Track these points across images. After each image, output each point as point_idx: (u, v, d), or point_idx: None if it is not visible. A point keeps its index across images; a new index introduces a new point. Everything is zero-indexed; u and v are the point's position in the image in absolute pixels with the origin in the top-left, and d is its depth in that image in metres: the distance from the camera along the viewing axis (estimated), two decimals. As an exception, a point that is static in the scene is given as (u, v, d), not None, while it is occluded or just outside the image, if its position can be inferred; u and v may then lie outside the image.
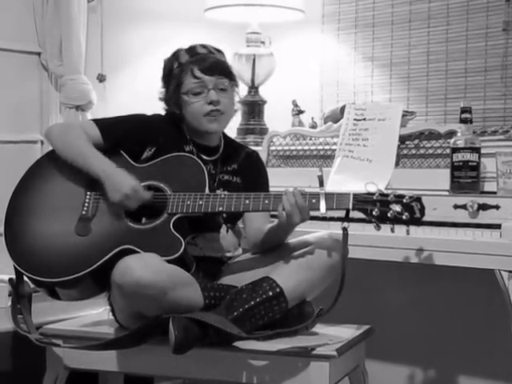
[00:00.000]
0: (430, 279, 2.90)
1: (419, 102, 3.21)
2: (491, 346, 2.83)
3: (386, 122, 2.68)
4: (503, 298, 2.28)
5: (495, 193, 2.44)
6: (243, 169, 2.50)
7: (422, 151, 2.69)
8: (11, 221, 2.34)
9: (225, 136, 2.55)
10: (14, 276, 2.33)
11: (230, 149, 2.53)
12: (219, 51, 2.50)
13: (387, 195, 2.15)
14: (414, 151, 2.70)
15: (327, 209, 2.18)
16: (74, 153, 2.34)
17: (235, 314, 2.15)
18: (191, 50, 2.45)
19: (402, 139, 2.69)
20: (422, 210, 2.13)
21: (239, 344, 2.17)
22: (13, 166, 2.46)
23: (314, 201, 2.19)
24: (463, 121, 2.52)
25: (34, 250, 2.29)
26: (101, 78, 3.36)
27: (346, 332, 2.34)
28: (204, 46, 2.47)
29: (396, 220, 2.13)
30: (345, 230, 2.19)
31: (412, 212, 2.13)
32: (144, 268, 2.09)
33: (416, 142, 2.71)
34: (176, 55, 2.46)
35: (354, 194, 2.16)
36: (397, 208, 2.13)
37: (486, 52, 3.03)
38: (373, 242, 2.46)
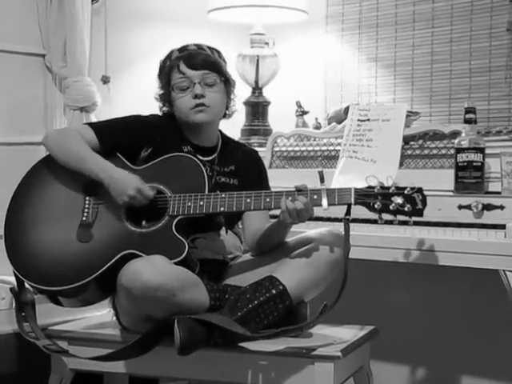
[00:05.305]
0: (434, 280, 2.89)
1: (423, 102, 3.21)
2: (496, 346, 2.82)
3: (390, 122, 2.68)
4: (508, 298, 2.28)
5: (500, 193, 2.43)
6: (241, 169, 2.48)
7: (426, 152, 2.68)
8: (11, 230, 2.33)
9: (223, 136, 2.54)
10: (15, 284, 2.33)
11: (228, 149, 2.51)
12: (214, 50, 2.50)
13: (388, 188, 2.16)
14: (418, 152, 2.70)
15: (329, 204, 2.18)
16: (74, 157, 2.33)
17: (239, 314, 2.15)
18: (182, 48, 2.48)
19: (406, 140, 2.69)
20: (424, 201, 2.14)
21: (244, 345, 2.16)
22: (17, 168, 2.46)
23: (315, 197, 2.19)
24: (467, 121, 2.52)
25: (36, 259, 2.28)
26: (105, 80, 3.36)
27: (351, 333, 2.34)
28: (197, 45, 2.48)
29: (398, 212, 2.14)
30: (347, 222, 2.18)
31: (414, 203, 2.13)
32: (152, 271, 2.09)
33: (420, 142, 2.70)
34: (169, 54, 2.49)
35: (356, 189, 2.17)
36: (398, 200, 2.14)
37: (490, 52, 3.03)
38: (377, 242, 2.46)
